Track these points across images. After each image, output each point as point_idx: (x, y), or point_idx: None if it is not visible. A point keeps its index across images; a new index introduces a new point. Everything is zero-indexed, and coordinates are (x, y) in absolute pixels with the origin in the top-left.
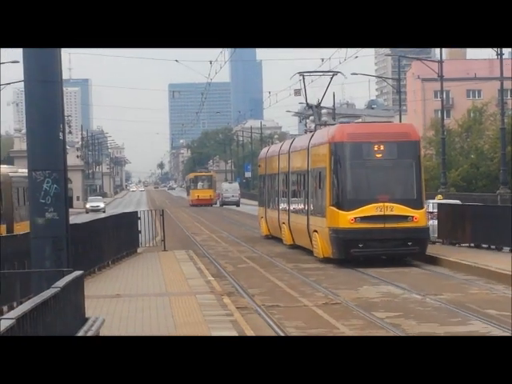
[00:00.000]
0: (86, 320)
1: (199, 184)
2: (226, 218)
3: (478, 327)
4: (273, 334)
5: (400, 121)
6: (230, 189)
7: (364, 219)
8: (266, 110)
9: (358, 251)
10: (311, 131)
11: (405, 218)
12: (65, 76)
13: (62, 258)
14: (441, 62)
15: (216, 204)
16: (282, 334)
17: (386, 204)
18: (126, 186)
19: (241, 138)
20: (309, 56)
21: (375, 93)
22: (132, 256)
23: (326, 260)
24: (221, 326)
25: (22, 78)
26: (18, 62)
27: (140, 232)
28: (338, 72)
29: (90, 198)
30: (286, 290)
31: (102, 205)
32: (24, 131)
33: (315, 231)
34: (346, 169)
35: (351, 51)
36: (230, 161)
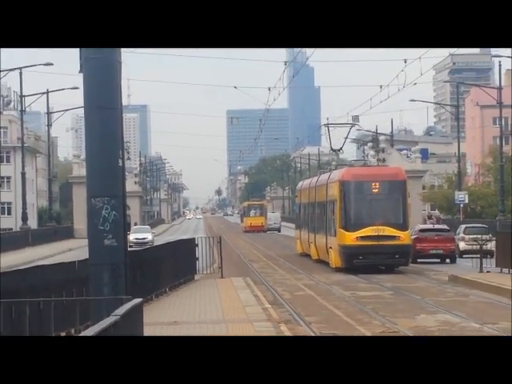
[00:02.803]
0: None
1: (252, 212)
2: (280, 244)
3: None
4: None
5: (458, 147)
6: (273, 217)
7: (364, 238)
8: (324, 136)
9: (359, 262)
10: (335, 169)
11: (393, 237)
12: (124, 102)
13: (120, 284)
14: (500, 88)
15: None
16: None
17: (380, 227)
18: (184, 212)
19: (298, 165)
20: (366, 82)
21: (433, 119)
22: (189, 283)
23: (382, 288)
24: None
25: (82, 104)
26: (77, 88)
27: (197, 259)
28: (356, 124)
29: (134, 228)
30: (343, 318)
31: (149, 237)
32: (83, 157)
33: (330, 247)
34: (351, 200)
35: (410, 78)
36: (287, 187)
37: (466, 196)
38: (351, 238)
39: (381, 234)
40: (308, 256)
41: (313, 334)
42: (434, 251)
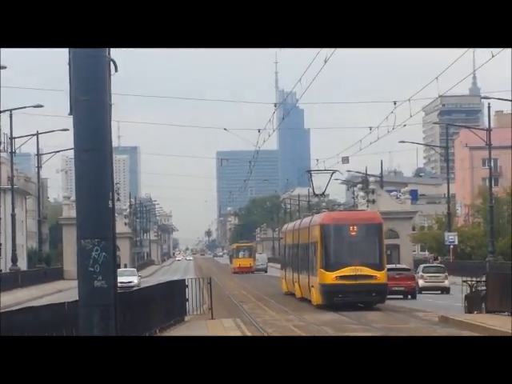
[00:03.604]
0: None
1: (240, 253)
2: (267, 284)
3: None
4: None
5: (448, 188)
6: (260, 258)
7: (342, 277)
8: (314, 177)
9: (339, 299)
10: (317, 213)
11: (370, 277)
12: (114, 144)
13: (110, 326)
14: (489, 130)
15: None
16: None
17: (358, 267)
18: (173, 253)
19: (288, 206)
20: (356, 124)
21: (423, 161)
22: (179, 324)
23: (372, 329)
24: None
25: (72, 146)
26: (67, 129)
27: (187, 300)
28: (337, 170)
29: (119, 270)
30: None
31: (135, 280)
32: (72, 198)
33: (312, 286)
34: (330, 242)
35: (400, 119)
36: (277, 229)
37: (456, 237)
38: (331, 277)
39: (358, 273)
40: (293, 295)
41: None
42: (397, 288)
